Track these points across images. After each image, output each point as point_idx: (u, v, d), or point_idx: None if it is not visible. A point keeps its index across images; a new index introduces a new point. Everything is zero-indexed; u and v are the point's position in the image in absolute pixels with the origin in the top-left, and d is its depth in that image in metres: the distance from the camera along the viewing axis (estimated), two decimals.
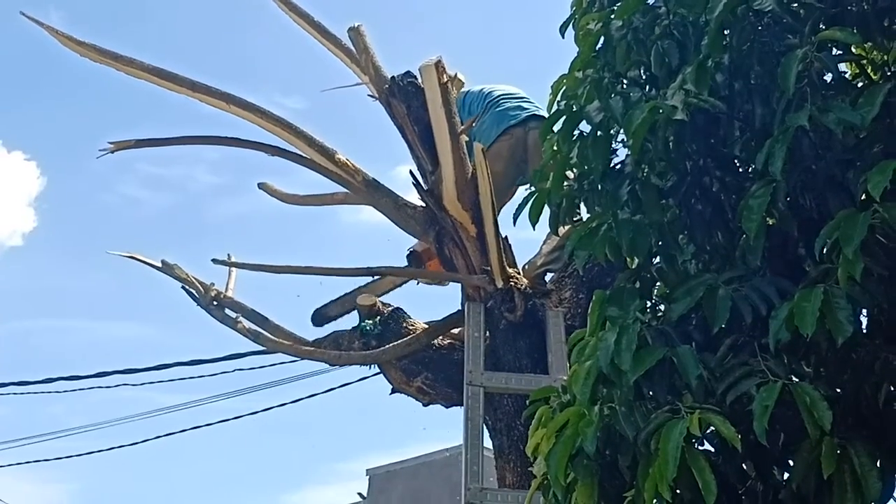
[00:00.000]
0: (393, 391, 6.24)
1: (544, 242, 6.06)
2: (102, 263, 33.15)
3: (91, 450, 11.64)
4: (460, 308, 5.90)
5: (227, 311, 6.42)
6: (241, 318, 6.34)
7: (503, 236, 5.73)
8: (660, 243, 3.45)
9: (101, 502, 28.84)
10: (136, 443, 11.04)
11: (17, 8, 6.13)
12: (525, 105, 6.50)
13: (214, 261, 6.33)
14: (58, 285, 34.27)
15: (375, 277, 6.46)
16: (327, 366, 6.62)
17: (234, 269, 6.59)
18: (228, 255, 6.74)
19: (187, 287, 6.46)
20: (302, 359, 6.48)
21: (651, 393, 3.02)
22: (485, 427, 5.35)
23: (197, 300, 6.44)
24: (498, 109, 6.47)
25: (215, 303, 6.42)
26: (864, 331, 2.98)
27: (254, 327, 6.26)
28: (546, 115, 6.40)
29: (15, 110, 32.92)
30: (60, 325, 33.01)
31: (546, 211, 3.72)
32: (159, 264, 6.61)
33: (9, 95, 32.26)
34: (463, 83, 6.55)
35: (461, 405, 5.34)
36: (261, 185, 7.27)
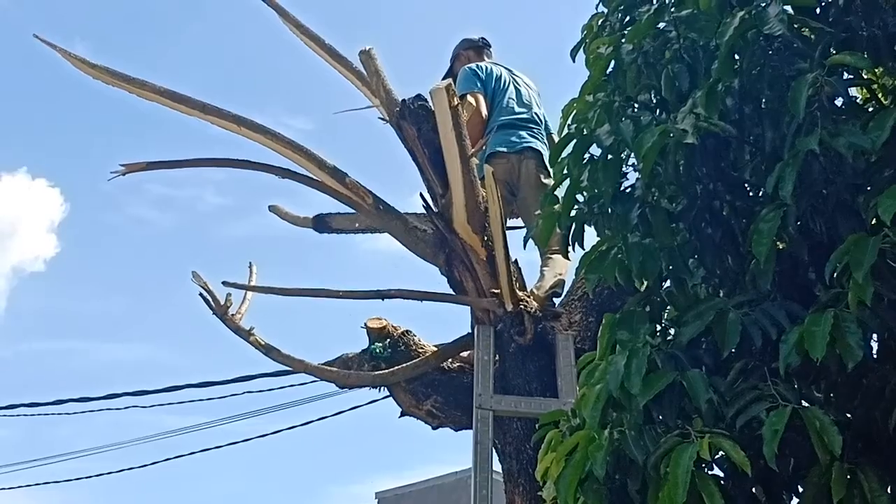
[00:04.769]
0: (402, 414, 6.22)
1: (543, 265, 6.01)
2: (117, 287, 33.23)
3: (100, 472, 11.64)
4: (470, 331, 5.89)
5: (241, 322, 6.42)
6: (254, 331, 6.33)
7: (513, 259, 5.73)
8: (670, 267, 3.45)
9: None
10: (146, 465, 11.07)
11: (37, 37, 6.10)
12: (525, 135, 6.55)
13: (225, 283, 6.32)
14: (74, 309, 34.49)
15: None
16: (337, 389, 6.59)
17: (246, 295, 6.57)
18: (250, 264, 6.77)
19: (205, 294, 6.46)
20: (311, 376, 6.47)
21: (661, 417, 3.02)
22: (494, 451, 5.34)
23: (212, 308, 6.43)
24: (499, 134, 6.52)
25: (231, 314, 6.43)
26: (875, 356, 2.96)
27: (266, 341, 6.25)
28: (542, 149, 6.49)
29: (40, 137, 33.21)
30: (73, 347, 33.12)
31: None
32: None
33: (35, 124, 32.51)
34: (474, 107, 6.56)
35: (470, 428, 5.33)
36: (271, 208, 7.29)
